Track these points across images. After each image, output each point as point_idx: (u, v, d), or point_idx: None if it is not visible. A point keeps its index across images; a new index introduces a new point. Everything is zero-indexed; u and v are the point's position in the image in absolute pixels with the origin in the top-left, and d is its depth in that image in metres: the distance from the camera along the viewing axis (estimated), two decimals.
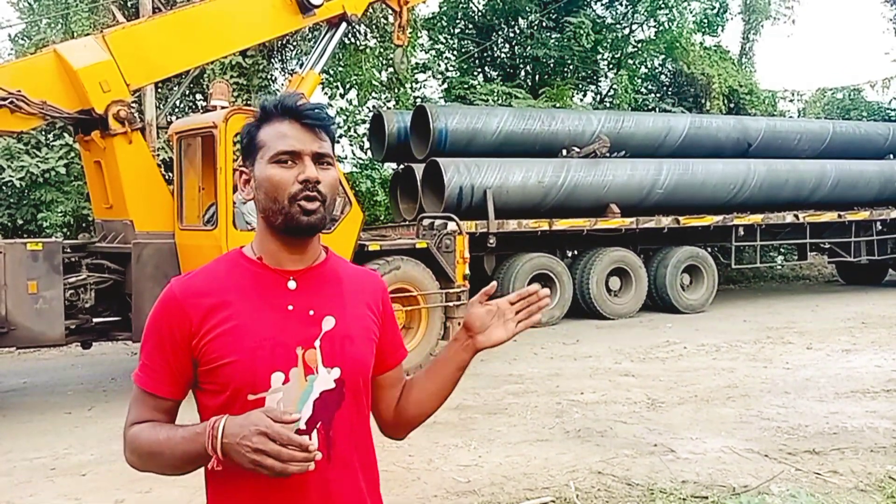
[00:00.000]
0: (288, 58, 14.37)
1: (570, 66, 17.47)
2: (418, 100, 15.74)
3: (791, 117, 19.40)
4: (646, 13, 17.85)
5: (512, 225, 10.98)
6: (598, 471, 4.72)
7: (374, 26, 14.08)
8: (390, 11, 9.72)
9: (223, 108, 7.33)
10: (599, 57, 18.11)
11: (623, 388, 7.02)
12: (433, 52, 17.88)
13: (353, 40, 13.88)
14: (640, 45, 18.27)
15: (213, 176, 6.76)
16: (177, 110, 13.41)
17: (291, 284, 1.40)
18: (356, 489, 1.43)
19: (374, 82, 14.49)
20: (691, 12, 18.12)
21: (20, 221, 11.26)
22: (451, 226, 8.60)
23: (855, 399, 6.41)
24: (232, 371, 1.34)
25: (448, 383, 1.53)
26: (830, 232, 14.29)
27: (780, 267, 17.78)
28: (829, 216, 13.76)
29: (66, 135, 10.98)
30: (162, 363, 1.38)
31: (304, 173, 1.37)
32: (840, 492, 4.25)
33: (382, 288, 1.57)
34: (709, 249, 13.29)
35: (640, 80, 17.98)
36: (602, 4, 18.23)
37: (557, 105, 15.09)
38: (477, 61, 18.32)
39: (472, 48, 18.01)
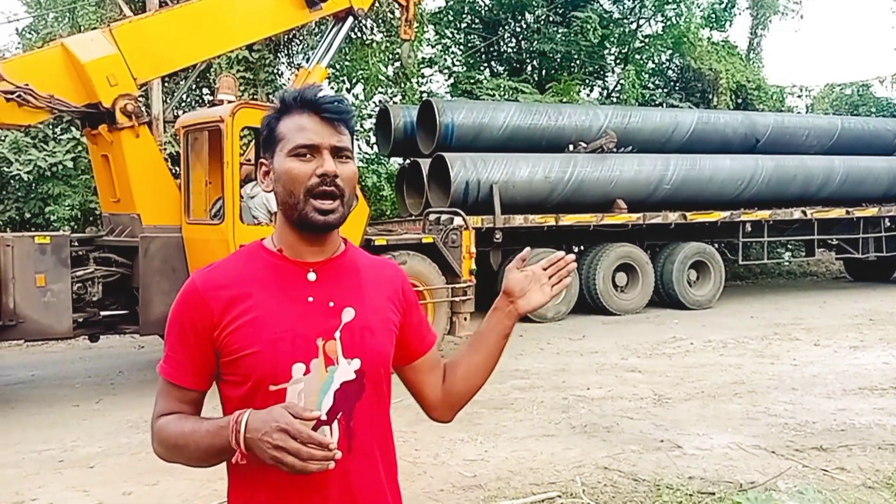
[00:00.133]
0: (294, 52, 14.39)
1: (577, 61, 17.43)
2: (425, 94, 15.70)
3: (799, 113, 19.31)
4: (653, 8, 17.80)
5: (518, 220, 10.96)
6: (605, 466, 4.72)
7: (380, 21, 14.08)
8: (397, 6, 9.71)
9: (230, 102, 7.34)
10: (606, 52, 18.06)
11: (629, 383, 7.01)
12: (440, 47, 17.86)
13: (359, 35, 13.88)
14: (647, 40, 18.21)
15: (219, 170, 6.77)
16: (183, 104, 13.45)
17: (311, 276, 1.41)
18: (376, 480, 1.44)
19: (380, 77, 14.50)
20: (699, 7, 18.08)
21: (28, 215, 11.31)
22: (458, 221, 8.58)
23: (863, 396, 6.39)
24: (253, 362, 1.35)
25: (494, 353, 1.56)
26: (838, 228, 14.23)
27: (787, 263, 17.72)
28: (836, 212, 13.72)
29: (73, 129, 11.01)
30: (185, 355, 1.39)
31: (323, 167, 1.37)
32: (847, 489, 4.23)
33: (402, 277, 1.58)
34: (716, 245, 13.25)
35: (647, 76, 17.93)
36: None
37: (564, 100, 15.05)
38: (483, 56, 18.29)
39: (478, 43, 17.98)
